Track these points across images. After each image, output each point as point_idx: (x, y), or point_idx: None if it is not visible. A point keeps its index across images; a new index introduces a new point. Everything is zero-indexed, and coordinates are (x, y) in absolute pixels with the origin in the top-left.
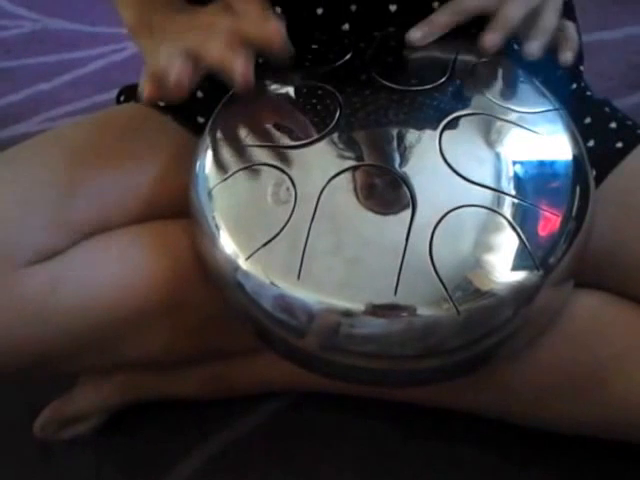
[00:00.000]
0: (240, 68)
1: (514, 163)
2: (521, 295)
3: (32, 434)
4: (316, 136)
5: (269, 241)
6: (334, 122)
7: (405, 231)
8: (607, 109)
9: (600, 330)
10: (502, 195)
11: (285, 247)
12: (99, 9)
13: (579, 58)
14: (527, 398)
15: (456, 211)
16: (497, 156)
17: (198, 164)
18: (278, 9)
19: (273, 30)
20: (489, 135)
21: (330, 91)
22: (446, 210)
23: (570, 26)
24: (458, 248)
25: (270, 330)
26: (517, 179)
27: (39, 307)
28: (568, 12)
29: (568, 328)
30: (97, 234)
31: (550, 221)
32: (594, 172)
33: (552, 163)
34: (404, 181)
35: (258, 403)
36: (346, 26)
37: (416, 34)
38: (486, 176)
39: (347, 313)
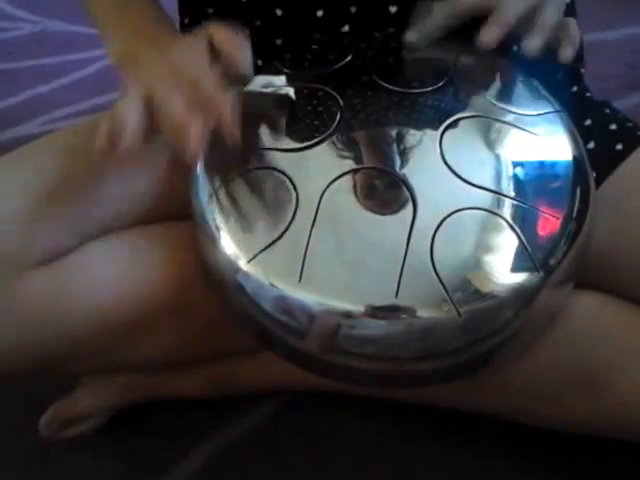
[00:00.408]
0: (193, 143)
1: (514, 165)
2: (521, 296)
3: (33, 434)
4: (317, 139)
5: (270, 243)
6: (335, 124)
7: (406, 233)
8: (607, 110)
9: (600, 331)
10: (502, 197)
11: (286, 249)
12: None
13: (580, 60)
14: (527, 398)
15: (457, 213)
16: (497, 158)
17: (199, 167)
18: (279, 11)
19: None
20: (489, 137)
21: (330, 93)
22: (447, 212)
23: (571, 22)
24: (459, 250)
25: (271, 331)
26: (517, 181)
27: (42, 310)
28: (570, 14)
29: (568, 329)
30: (100, 237)
31: (550, 223)
32: (594, 173)
33: (552, 165)
34: (405, 183)
35: (258, 403)
36: (346, 28)
37: (412, 36)
38: (486, 178)
39: (347, 315)
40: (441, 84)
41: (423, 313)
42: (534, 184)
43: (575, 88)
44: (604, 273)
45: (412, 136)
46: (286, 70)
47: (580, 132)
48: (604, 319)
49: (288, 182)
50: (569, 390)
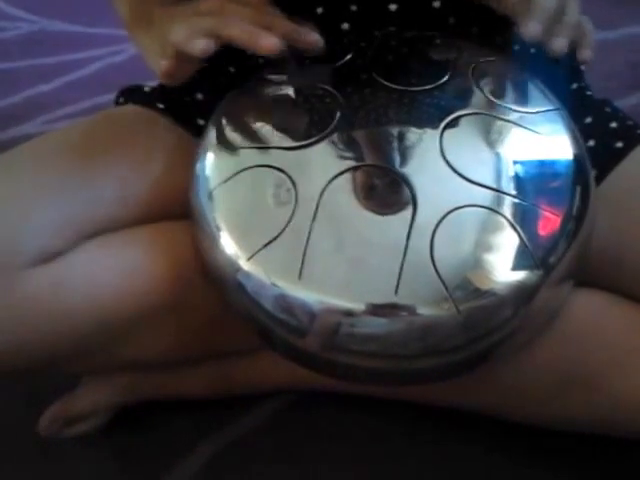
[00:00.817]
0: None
1: (515, 163)
2: (521, 295)
3: (35, 432)
4: (316, 137)
5: (270, 242)
6: (334, 123)
7: (406, 231)
8: (608, 109)
9: (600, 330)
10: (502, 195)
11: (286, 248)
12: (98, 10)
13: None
14: (526, 396)
15: (457, 211)
16: (498, 156)
17: (198, 166)
18: (277, 9)
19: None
20: (490, 135)
21: (330, 91)
22: (447, 210)
23: (586, 21)
24: (459, 248)
25: (271, 330)
26: (517, 179)
27: (41, 309)
28: None
29: (568, 327)
30: (98, 236)
31: (550, 221)
32: (595, 172)
33: (553, 163)
34: (405, 181)
35: (259, 402)
36: (346, 26)
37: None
38: (487, 176)
39: (348, 313)
40: (441, 82)
41: (423, 311)
42: (534, 182)
43: (575, 86)
44: (604, 271)
45: (412, 134)
46: (286, 68)
47: (580, 130)
48: (603, 317)
49: (288, 180)
50: (567, 388)
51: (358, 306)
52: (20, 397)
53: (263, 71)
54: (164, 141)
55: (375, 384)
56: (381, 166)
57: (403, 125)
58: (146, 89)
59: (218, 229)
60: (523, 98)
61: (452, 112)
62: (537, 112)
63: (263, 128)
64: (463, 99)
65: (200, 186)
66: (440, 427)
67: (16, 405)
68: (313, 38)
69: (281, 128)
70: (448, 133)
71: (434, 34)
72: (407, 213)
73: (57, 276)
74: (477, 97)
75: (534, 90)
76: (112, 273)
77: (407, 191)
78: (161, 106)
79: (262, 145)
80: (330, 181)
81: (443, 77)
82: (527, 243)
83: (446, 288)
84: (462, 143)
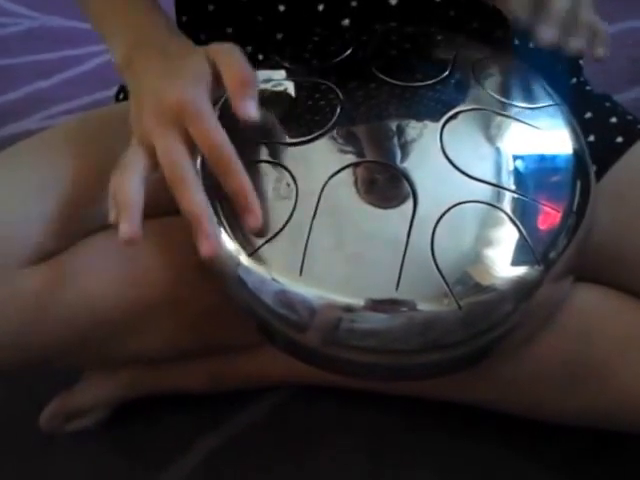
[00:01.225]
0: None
1: (515, 158)
2: (522, 290)
3: (36, 427)
4: (317, 132)
5: (271, 237)
6: (335, 118)
7: (407, 227)
8: (607, 104)
9: (600, 324)
10: (503, 190)
11: (287, 243)
12: None
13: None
14: (527, 391)
15: (457, 207)
16: (498, 151)
17: (198, 162)
18: (281, 6)
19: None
20: (490, 130)
21: (331, 87)
22: (447, 206)
23: (598, 19)
24: (459, 243)
25: (271, 325)
26: (518, 174)
27: (40, 305)
28: None
29: (568, 322)
30: (97, 232)
31: (551, 216)
32: (595, 167)
33: (553, 158)
34: (405, 177)
35: (259, 397)
36: (346, 21)
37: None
38: (487, 171)
39: (348, 308)
40: (442, 77)
41: (424, 306)
42: (534, 177)
43: (574, 80)
44: (604, 266)
45: (412, 129)
46: (286, 64)
47: (580, 125)
48: (604, 312)
49: (288, 176)
50: (568, 383)
51: (358, 301)
52: (20, 392)
53: (263, 67)
54: None
55: (375, 379)
56: (382, 162)
57: (403, 120)
58: None
59: (219, 225)
60: (523, 93)
61: (452, 107)
62: (537, 107)
63: (263, 124)
64: (463, 94)
65: (201, 182)
66: (440, 421)
67: (17, 400)
68: (251, 223)
69: (281, 123)
70: (448, 128)
71: (434, 29)
72: (408, 209)
73: (56, 272)
74: (477, 92)
75: (534, 85)
76: (111, 269)
77: (407, 187)
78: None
79: (262, 141)
80: (331, 177)
81: (443, 72)
82: (527, 238)
83: (446, 283)
84: (462, 138)
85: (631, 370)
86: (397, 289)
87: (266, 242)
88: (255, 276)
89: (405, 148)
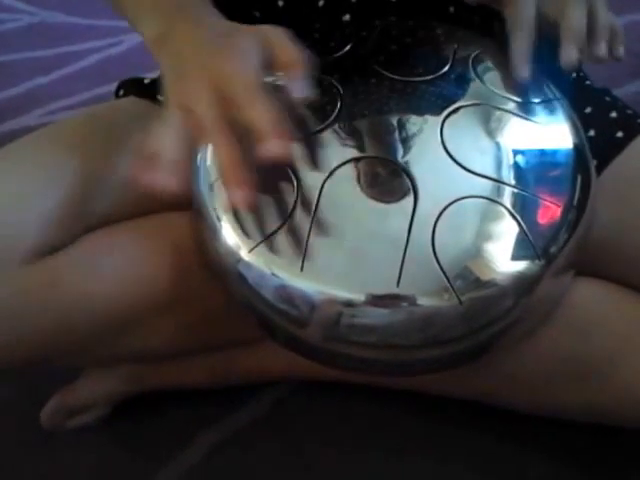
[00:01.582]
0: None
1: (515, 153)
2: (522, 285)
3: (37, 424)
4: (318, 128)
5: (272, 233)
6: (335, 113)
7: (407, 222)
8: (607, 98)
9: (600, 319)
10: (503, 185)
11: (287, 239)
12: (97, 2)
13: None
14: (527, 386)
15: (458, 202)
16: (498, 146)
17: (199, 157)
18: (280, 2)
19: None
20: (490, 125)
21: (331, 82)
22: (448, 201)
23: (613, 18)
24: (460, 238)
25: (272, 320)
26: (518, 169)
27: (41, 302)
28: None
29: (569, 317)
30: (99, 228)
31: (551, 211)
32: (595, 161)
33: (553, 153)
34: (406, 172)
35: (260, 392)
36: (347, 17)
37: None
38: (487, 166)
39: (348, 303)
40: (442, 72)
41: (424, 301)
42: (535, 172)
43: (574, 75)
44: (605, 261)
45: (413, 124)
46: None
47: (580, 120)
48: (604, 307)
49: (289, 171)
50: (568, 377)
51: (359, 297)
52: (21, 389)
53: None
54: None
55: (376, 374)
56: (382, 157)
57: (404, 115)
58: (146, 81)
59: (219, 220)
60: (523, 88)
61: (453, 102)
62: (537, 102)
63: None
64: (464, 89)
65: (201, 177)
66: (441, 414)
67: (18, 397)
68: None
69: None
70: (449, 123)
71: (434, 24)
72: (408, 204)
73: (57, 269)
74: (477, 87)
75: (534, 80)
76: (112, 266)
77: (408, 182)
78: (161, 98)
79: None
80: (332, 172)
81: (444, 67)
82: (528, 233)
83: (447, 279)
84: (463, 133)
85: (631, 365)
86: (398, 284)
87: (267, 238)
88: (255, 271)
89: (406, 143)
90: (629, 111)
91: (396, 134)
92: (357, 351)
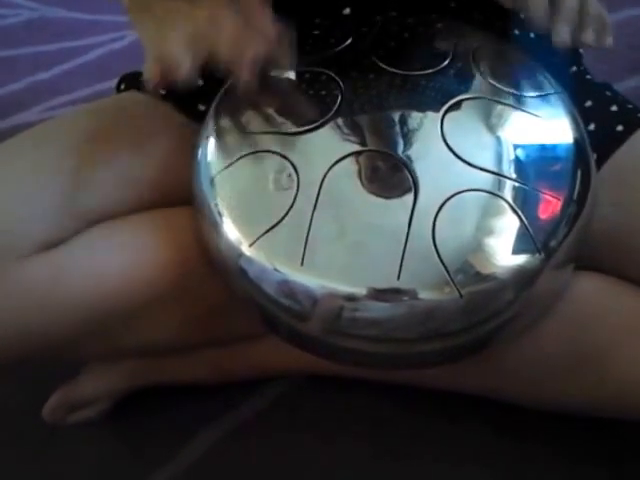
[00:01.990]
0: (247, 70)
1: (515, 147)
2: (522, 278)
3: (39, 419)
4: (318, 122)
5: (272, 227)
6: (336, 107)
7: (408, 216)
8: (608, 92)
9: (600, 312)
10: (503, 179)
11: (288, 233)
12: None
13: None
14: (528, 380)
15: (458, 195)
16: (498, 140)
17: (200, 152)
18: None
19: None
20: (490, 119)
21: (331, 76)
22: (448, 195)
23: (602, 9)
24: (460, 232)
25: (274, 315)
26: (518, 163)
27: (43, 297)
28: None
29: (569, 310)
30: (100, 223)
31: (551, 204)
32: (595, 155)
33: (553, 147)
34: (406, 166)
35: (262, 387)
36: (347, 10)
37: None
38: (488, 160)
39: (350, 297)
40: (442, 66)
41: (425, 295)
42: (535, 166)
43: (574, 69)
44: (605, 254)
45: (413, 118)
46: None
47: (581, 114)
48: (604, 300)
49: (289, 165)
50: (569, 371)
51: (360, 290)
52: (24, 384)
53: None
54: (165, 127)
55: (377, 368)
56: (383, 151)
57: (404, 109)
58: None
59: (220, 215)
60: (524, 82)
61: (453, 96)
62: (538, 96)
63: (264, 113)
64: (464, 83)
65: (202, 172)
66: (440, 409)
67: (20, 392)
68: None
69: (282, 113)
70: (449, 117)
71: (435, 19)
72: (409, 198)
73: (58, 264)
74: (478, 81)
75: (534, 74)
76: (114, 261)
77: (409, 176)
78: (162, 92)
79: (263, 130)
80: (332, 166)
81: (444, 61)
82: (528, 227)
83: (448, 272)
84: (463, 127)
85: (631, 358)
86: (398, 278)
87: (267, 232)
88: (257, 266)
89: (406, 137)
90: (629, 105)
91: (396, 128)
92: (358, 345)
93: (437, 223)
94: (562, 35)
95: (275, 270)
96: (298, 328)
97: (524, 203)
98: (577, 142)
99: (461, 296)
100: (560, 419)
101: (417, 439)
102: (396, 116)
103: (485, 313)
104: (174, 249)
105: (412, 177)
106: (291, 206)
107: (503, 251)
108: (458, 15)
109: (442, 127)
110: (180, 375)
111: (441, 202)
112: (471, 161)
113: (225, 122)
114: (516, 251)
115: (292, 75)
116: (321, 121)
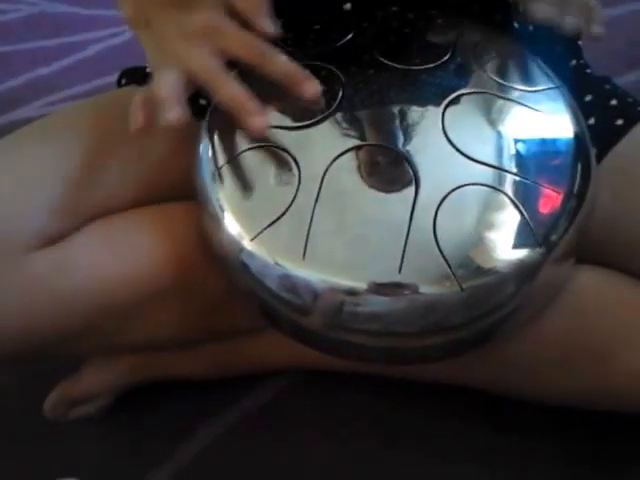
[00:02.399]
0: (253, 111)
1: (516, 141)
2: (523, 272)
3: (39, 414)
4: (319, 116)
5: (274, 222)
6: (337, 102)
7: (409, 210)
8: (608, 86)
9: (601, 306)
10: (504, 173)
11: (289, 227)
12: None
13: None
14: (529, 373)
15: (459, 189)
16: (499, 134)
17: (201, 146)
18: None
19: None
20: (491, 113)
21: (332, 71)
22: (449, 189)
23: None
24: (461, 226)
25: (275, 309)
26: (519, 157)
27: (42, 292)
28: None
29: (569, 304)
30: (101, 218)
31: (552, 198)
32: (595, 149)
33: (554, 141)
34: (407, 160)
35: (262, 382)
36: (348, 5)
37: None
38: (488, 154)
39: (351, 292)
40: (443, 61)
41: (426, 289)
42: (536, 160)
43: (574, 63)
44: (606, 247)
45: (414, 113)
46: (288, 49)
47: (581, 108)
48: (604, 293)
49: (291, 160)
50: (570, 364)
51: (361, 285)
52: (24, 380)
53: None
54: None
55: (379, 363)
56: (384, 145)
57: (405, 104)
58: (148, 70)
59: (222, 209)
60: (524, 76)
61: (454, 91)
62: (538, 90)
63: (266, 108)
64: (464, 78)
65: (203, 167)
66: (441, 403)
67: (20, 388)
68: (311, 91)
69: (284, 108)
70: (450, 112)
71: (435, 13)
72: (410, 192)
73: (58, 259)
74: (478, 76)
75: (535, 68)
76: (114, 256)
77: (410, 170)
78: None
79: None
80: (333, 160)
81: (444, 56)
82: (529, 221)
83: (449, 266)
84: (464, 121)
85: (632, 351)
86: (400, 272)
87: (268, 226)
88: (258, 260)
89: (407, 131)
90: (629, 99)
91: (397, 122)
92: (360, 339)
93: (438, 217)
94: (540, 10)
95: (276, 264)
96: (299, 322)
97: (525, 197)
98: (577, 136)
99: (462, 290)
100: (561, 416)
101: (418, 435)
102: (397, 110)
103: (486, 307)
104: (174, 244)
105: (413, 171)
106: (292, 201)
107: (504, 245)
108: (458, 9)
109: (443, 121)
110: (180, 370)
111: (442, 196)
112: (472, 155)
113: (226, 117)
114: (517, 245)
115: None
116: (322, 116)
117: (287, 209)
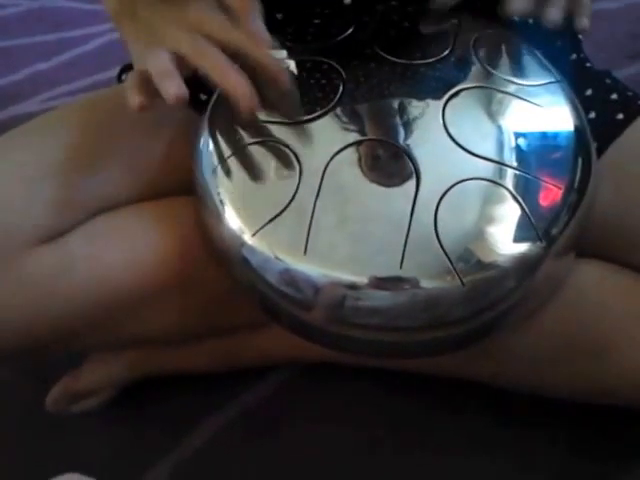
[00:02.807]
0: (240, 89)
1: (516, 135)
2: (524, 266)
3: (42, 408)
4: (320, 111)
5: (275, 217)
6: (337, 97)
7: (410, 205)
8: (608, 80)
9: (601, 300)
10: (505, 167)
11: (291, 222)
12: None
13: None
14: (530, 367)
15: (460, 184)
16: (499, 128)
17: (202, 141)
18: None
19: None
20: (491, 108)
21: (333, 66)
22: (450, 183)
23: None
24: (462, 220)
25: (276, 304)
26: (519, 151)
27: (46, 288)
28: None
29: (570, 298)
30: (102, 213)
31: (552, 193)
32: (595, 143)
33: (554, 135)
34: (408, 154)
35: (263, 376)
36: (348, 0)
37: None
38: (489, 148)
39: (352, 286)
40: (443, 55)
41: (427, 283)
42: (536, 154)
43: (574, 57)
44: (606, 241)
45: (415, 107)
46: (288, 44)
47: (581, 102)
48: (604, 287)
49: (291, 155)
50: (571, 357)
51: (362, 279)
52: (27, 374)
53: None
54: (167, 117)
55: (380, 357)
56: (384, 140)
57: (405, 98)
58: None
59: (222, 204)
60: (524, 71)
61: (454, 85)
62: (538, 84)
63: (266, 103)
64: (465, 72)
65: (204, 162)
66: (441, 396)
67: (23, 382)
68: (283, 80)
69: (284, 103)
70: (450, 106)
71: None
72: (411, 187)
73: (61, 255)
74: (479, 70)
75: (535, 62)
76: (117, 251)
77: (410, 164)
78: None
79: (265, 120)
80: (334, 155)
81: (445, 50)
82: (529, 215)
83: (450, 261)
84: (464, 116)
85: (633, 345)
86: (401, 266)
87: (270, 221)
88: (259, 255)
89: (408, 126)
90: (629, 93)
91: (398, 117)
92: (361, 333)
93: (439, 212)
94: (518, 3)
95: (277, 259)
96: (301, 317)
97: (525, 191)
98: (578, 130)
99: (463, 284)
100: (561, 408)
101: (418, 428)
102: (397, 105)
103: (487, 301)
104: (176, 239)
105: (414, 166)
106: (293, 195)
107: (505, 239)
108: (459, 4)
109: (443, 116)
110: (182, 364)
111: (443, 191)
112: (472, 150)
113: (227, 112)
114: (518, 239)
115: (293, 65)
116: (323, 110)
117: (288, 204)
